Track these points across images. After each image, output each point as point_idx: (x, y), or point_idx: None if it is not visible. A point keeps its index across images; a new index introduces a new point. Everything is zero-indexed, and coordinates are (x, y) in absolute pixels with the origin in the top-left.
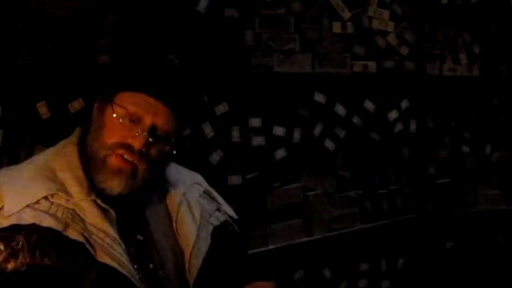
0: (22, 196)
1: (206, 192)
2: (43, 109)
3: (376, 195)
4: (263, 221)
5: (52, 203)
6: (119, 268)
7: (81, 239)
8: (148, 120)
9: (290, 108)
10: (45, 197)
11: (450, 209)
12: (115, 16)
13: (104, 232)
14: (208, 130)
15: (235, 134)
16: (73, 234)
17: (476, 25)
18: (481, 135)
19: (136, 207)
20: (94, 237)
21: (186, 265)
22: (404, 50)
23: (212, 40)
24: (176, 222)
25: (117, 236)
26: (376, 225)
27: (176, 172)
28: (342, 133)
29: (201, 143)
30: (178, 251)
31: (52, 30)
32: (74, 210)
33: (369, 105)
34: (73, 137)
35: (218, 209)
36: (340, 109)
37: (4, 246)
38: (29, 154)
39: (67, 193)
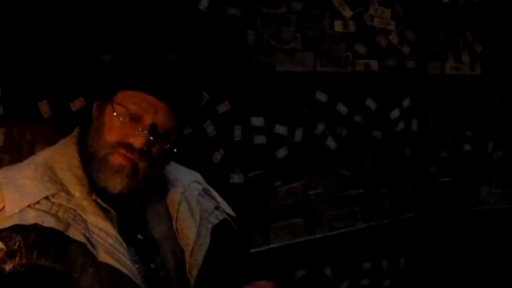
0: (23, 197)
1: (205, 190)
2: (44, 108)
3: (377, 194)
4: (265, 220)
5: (53, 203)
6: (121, 268)
7: (83, 239)
8: (148, 119)
9: (292, 107)
10: (46, 197)
11: (452, 208)
12: (116, 14)
13: (105, 231)
14: (210, 129)
15: (237, 133)
16: (74, 234)
17: (478, 23)
18: (482, 133)
19: (136, 206)
20: (95, 237)
21: (187, 264)
22: (406, 49)
23: (213, 39)
24: (176, 221)
25: (118, 236)
26: (377, 224)
27: (175, 171)
28: (343, 132)
29: (203, 141)
30: (178, 251)
31: (53, 28)
32: (75, 210)
33: (371, 103)
34: (73, 137)
35: (217, 208)
36: (342, 108)
37: (3, 246)
38: (30, 153)
39: (68, 193)
